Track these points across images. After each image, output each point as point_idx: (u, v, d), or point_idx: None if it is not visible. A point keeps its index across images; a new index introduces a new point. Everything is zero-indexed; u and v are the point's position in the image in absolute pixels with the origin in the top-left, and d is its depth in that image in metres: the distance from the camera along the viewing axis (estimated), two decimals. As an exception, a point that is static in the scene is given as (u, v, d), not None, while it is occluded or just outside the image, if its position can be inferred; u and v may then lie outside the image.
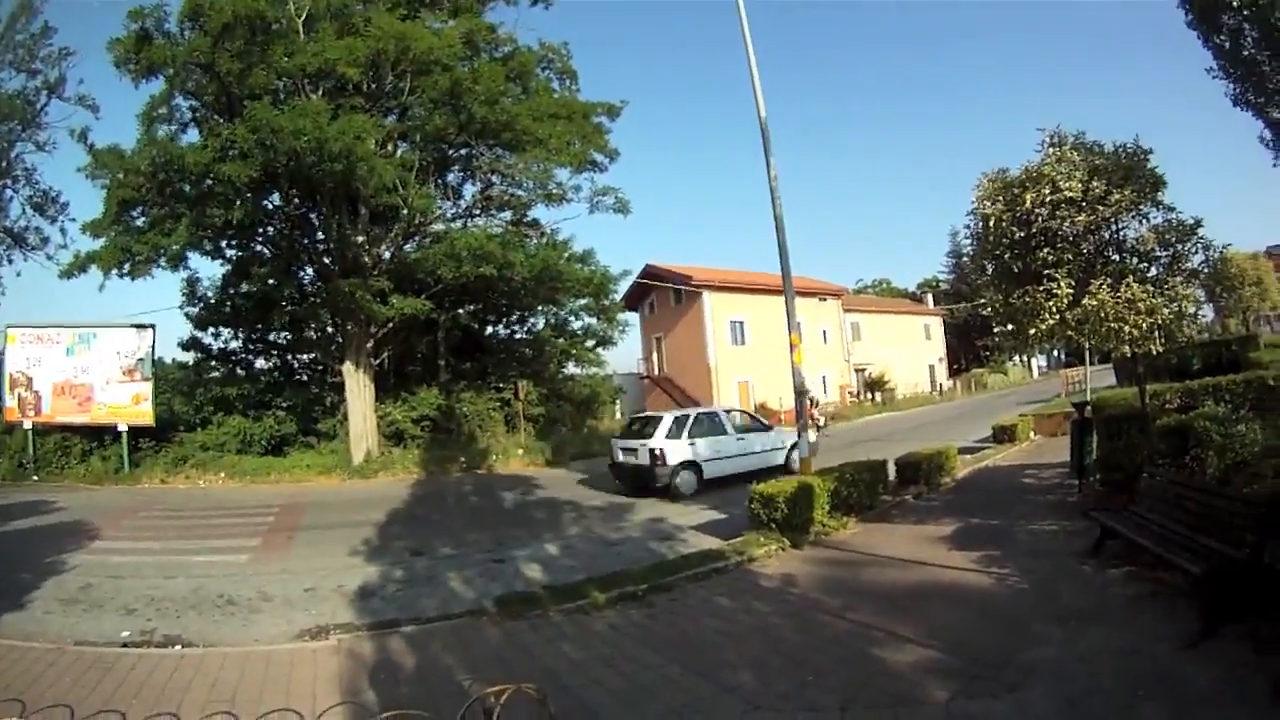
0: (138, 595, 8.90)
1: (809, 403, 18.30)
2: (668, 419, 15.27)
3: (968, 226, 10.63)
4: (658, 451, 14.40)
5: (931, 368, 55.43)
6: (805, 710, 4.29)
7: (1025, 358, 63.30)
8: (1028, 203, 8.94)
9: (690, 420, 15.36)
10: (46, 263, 31.09)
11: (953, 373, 58.76)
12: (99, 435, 23.84)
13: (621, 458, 15.61)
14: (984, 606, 6.21)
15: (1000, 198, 9.40)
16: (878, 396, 45.53)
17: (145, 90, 20.78)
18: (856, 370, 47.90)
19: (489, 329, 31.30)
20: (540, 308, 29.17)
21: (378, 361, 24.32)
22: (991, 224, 9.36)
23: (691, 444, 14.88)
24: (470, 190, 26.30)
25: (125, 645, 7.06)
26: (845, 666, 4.92)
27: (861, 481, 10.95)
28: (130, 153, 20.20)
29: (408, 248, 23.78)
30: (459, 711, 3.04)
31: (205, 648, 6.84)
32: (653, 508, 13.27)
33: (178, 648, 6.90)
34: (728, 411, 17.64)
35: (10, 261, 31.07)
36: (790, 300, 12.25)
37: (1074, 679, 4.67)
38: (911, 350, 53.31)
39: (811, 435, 18.21)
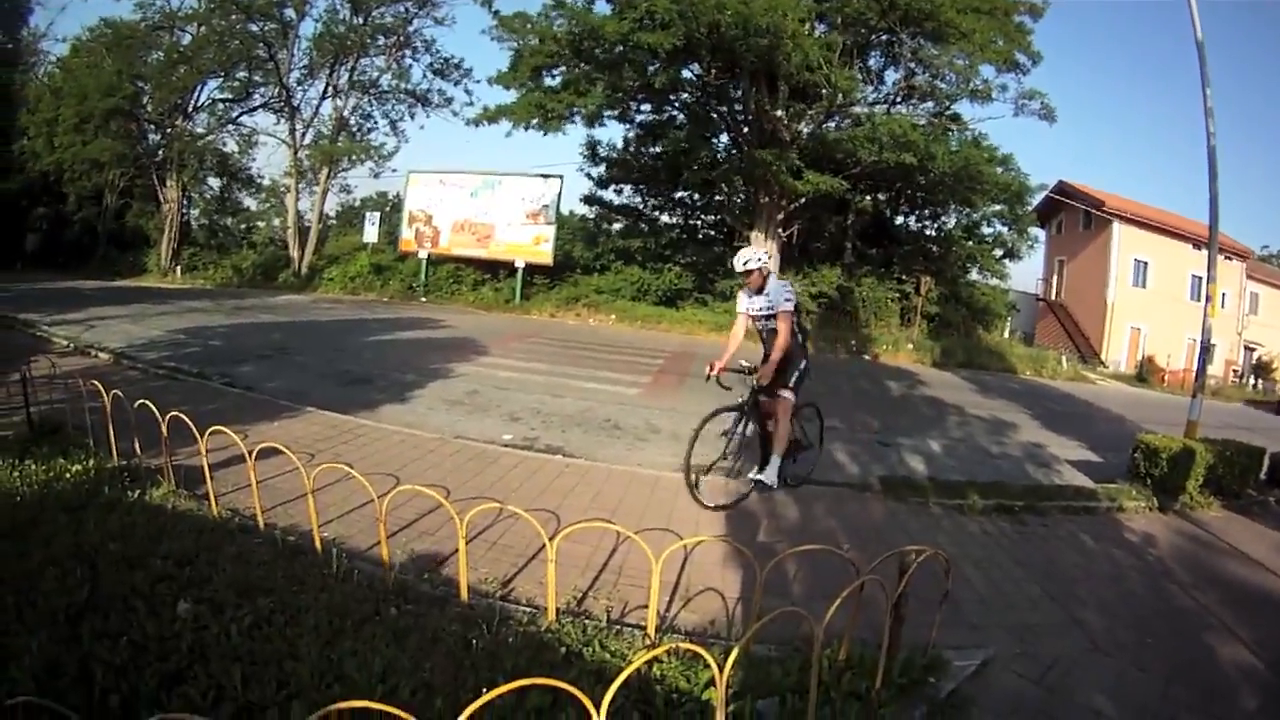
0: (523, 407, 9.83)
1: None
2: None
3: None
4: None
5: (1311, 374, 43.48)
6: (1136, 668, 4.24)
7: None
8: None
9: None
10: (452, 118, 36.47)
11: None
12: (493, 269, 27.64)
13: None
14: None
15: None
16: (1260, 384, 36.77)
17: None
18: (1247, 348, 39.38)
19: (899, 219, 30.95)
20: (953, 206, 27.83)
21: (785, 233, 25.14)
22: None
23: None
24: (892, 77, 25.77)
25: (507, 446, 7.61)
26: (1180, 641, 4.74)
27: (1238, 464, 9.39)
28: (536, 16, 22.22)
29: (827, 126, 23.74)
30: (872, 561, 3.34)
31: (590, 461, 7.25)
32: (1037, 433, 12.29)
33: (560, 456, 7.35)
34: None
35: (413, 117, 36.61)
36: (1213, 247, 10.31)
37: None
38: (1298, 345, 42.29)
39: None
